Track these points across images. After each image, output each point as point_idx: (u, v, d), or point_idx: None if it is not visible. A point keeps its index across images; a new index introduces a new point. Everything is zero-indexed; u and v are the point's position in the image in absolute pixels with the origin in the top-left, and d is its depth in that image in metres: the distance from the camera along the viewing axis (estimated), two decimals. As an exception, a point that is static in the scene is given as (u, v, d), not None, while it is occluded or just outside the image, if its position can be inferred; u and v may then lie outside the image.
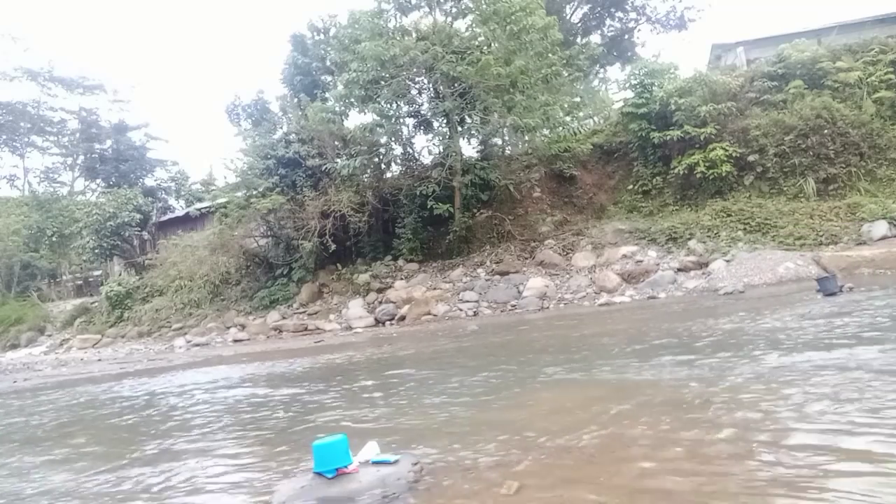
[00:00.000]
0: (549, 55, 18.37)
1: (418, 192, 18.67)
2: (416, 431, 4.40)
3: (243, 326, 18.38)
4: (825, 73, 18.08)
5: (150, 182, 34.03)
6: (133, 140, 35.83)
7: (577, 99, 21.46)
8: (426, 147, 21.14)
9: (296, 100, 24.16)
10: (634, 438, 3.50)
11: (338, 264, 19.81)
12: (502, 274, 17.06)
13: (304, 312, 18.38)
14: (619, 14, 28.91)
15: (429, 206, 18.34)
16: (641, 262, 15.96)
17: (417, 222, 19.32)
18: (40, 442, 5.76)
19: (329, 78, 24.95)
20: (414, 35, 18.98)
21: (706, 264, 14.95)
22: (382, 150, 20.39)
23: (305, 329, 17.02)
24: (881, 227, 14.88)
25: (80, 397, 9.00)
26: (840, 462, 2.81)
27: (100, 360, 16.76)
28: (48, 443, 5.68)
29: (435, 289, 17.13)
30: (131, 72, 75.79)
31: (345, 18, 21.34)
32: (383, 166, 21.09)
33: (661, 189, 18.65)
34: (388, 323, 16.29)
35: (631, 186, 19.46)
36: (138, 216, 25.71)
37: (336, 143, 19.86)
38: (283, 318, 18.34)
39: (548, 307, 15.04)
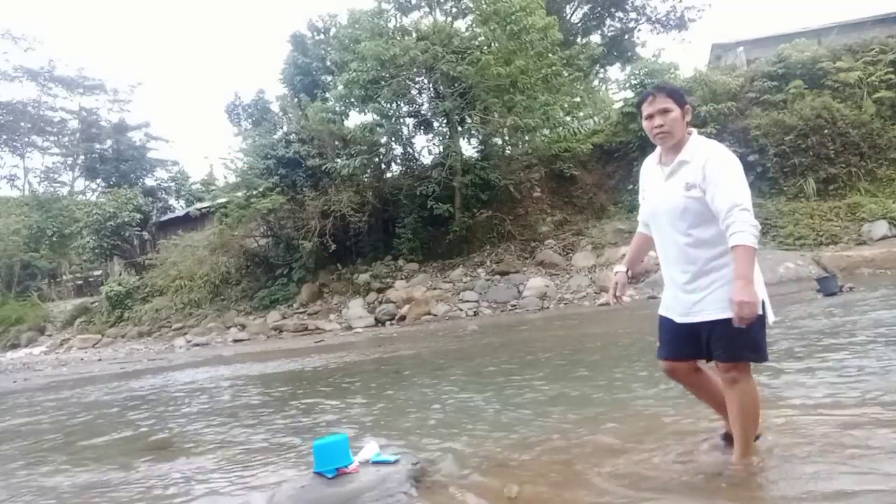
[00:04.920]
0: (549, 55, 18.38)
1: (418, 192, 18.67)
2: (416, 431, 4.40)
3: (243, 326, 18.38)
4: (825, 73, 18.08)
5: (150, 182, 34.00)
6: (133, 140, 35.84)
7: (577, 99, 21.47)
8: (426, 147, 21.18)
9: (296, 100, 24.15)
10: (638, 439, 3.49)
11: (338, 264, 19.81)
12: (502, 274, 17.06)
13: (304, 312, 18.38)
14: (619, 14, 28.91)
15: (429, 206, 18.34)
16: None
17: (417, 222, 19.32)
18: (38, 441, 5.76)
19: (329, 78, 24.94)
20: (414, 35, 18.99)
21: (706, 264, 14.93)
22: (382, 150, 20.40)
23: (306, 329, 17.01)
24: (881, 227, 14.89)
25: (78, 396, 8.99)
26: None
27: (100, 359, 16.76)
28: (46, 442, 5.68)
29: (435, 289, 17.14)
30: (131, 72, 75.90)
31: (345, 18, 21.40)
32: (383, 166, 21.10)
33: (661, 189, 18.64)
34: (388, 323, 16.29)
35: (631, 186, 19.42)
36: (138, 216, 25.69)
37: (336, 143, 19.86)
38: (284, 318, 18.34)
39: (548, 307, 15.04)
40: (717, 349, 2.62)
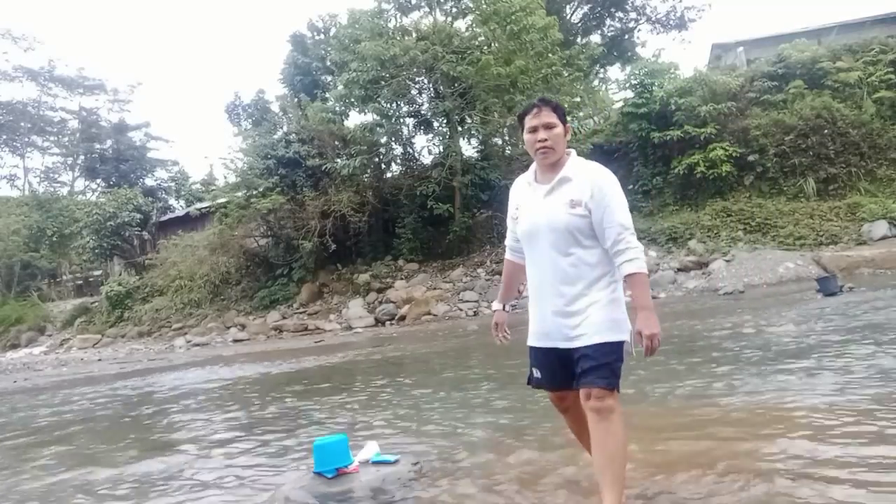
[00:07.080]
0: (549, 55, 18.37)
1: (418, 192, 18.67)
2: (416, 431, 4.40)
3: (243, 326, 18.38)
4: (825, 73, 18.08)
5: (150, 182, 34.03)
6: (133, 140, 35.84)
7: (577, 99, 21.43)
8: (426, 147, 21.19)
9: (296, 100, 24.16)
10: (638, 442, 3.49)
11: (338, 264, 19.80)
12: (502, 274, 17.04)
13: (304, 312, 18.38)
14: (619, 14, 28.87)
15: (429, 206, 18.33)
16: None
17: (417, 222, 19.31)
18: (38, 440, 5.76)
19: (329, 78, 24.95)
20: (414, 35, 19.00)
21: (706, 264, 14.95)
22: (382, 150, 20.40)
23: (305, 329, 17.01)
24: (881, 227, 14.88)
25: (78, 397, 8.99)
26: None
27: (100, 359, 16.76)
28: (45, 441, 5.68)
29: (435, 289, 17.13)
30: (131, 72, 75.95)
31: (345, 18, 21.41)
32: (383, 166, 21.10)
33: (661, 189, 18.63)
34: (388, 323, 16.29)
35: (631, 186, 19.41)
36: (138, 216, 25.69)
37: (336, 142, 19.86)
38: (284, 317, 18.34)
39: (548, 307, 15.01)
40: (593, 374, 2.38)
